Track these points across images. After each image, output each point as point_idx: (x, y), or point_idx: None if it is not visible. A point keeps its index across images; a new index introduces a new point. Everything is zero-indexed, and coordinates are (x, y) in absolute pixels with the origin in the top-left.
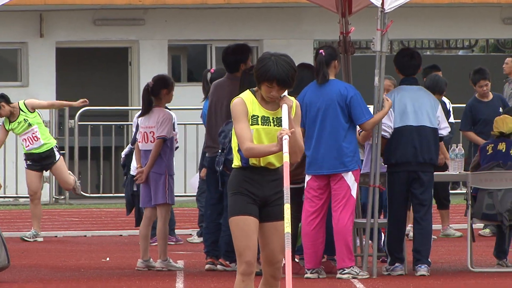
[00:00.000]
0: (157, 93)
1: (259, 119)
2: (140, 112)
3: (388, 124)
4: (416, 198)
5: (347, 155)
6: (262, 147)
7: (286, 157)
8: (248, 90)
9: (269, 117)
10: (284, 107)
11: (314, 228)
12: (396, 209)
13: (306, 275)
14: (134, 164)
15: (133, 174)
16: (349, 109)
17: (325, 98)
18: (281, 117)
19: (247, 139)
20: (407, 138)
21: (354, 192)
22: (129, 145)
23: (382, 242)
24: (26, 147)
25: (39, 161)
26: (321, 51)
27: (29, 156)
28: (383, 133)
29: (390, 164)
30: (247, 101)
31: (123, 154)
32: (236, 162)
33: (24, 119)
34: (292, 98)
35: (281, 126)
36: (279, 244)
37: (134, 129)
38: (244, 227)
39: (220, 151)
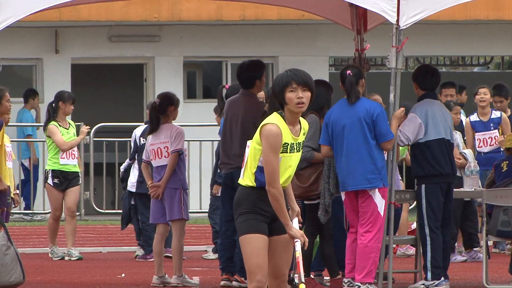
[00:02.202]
0: (165, 110)
1: (289, 147)
2: (143, 129)
3: (406, 136)
4: (447, 210)
5: (373, 172)
6: (282, 207)
7: (299, 255)
8: (276, 113)
9: (294, 144)
10: (297, 245)
11: (354, 241)
12: (438, 220)
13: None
14: (131, 179)
15: (130, 190)
16: (374, 126)
17: (351, 115)
18: (300, 142)
19: (277, 178)
20: (444, 150)
21: (381, 210)
22: (127, 160)
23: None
24: (61, 158)
25: (65, 180)
26: (348, 72)
27: (58, 173)
28: (398, 141)
29: (432, 175)
30: (282, 129)
31: (122, 168)
32: (249, 182)
33: (74, 133)
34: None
35: (296, 152)
36: (285, 258)
37: (133, 145)
38: (256, 246)
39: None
